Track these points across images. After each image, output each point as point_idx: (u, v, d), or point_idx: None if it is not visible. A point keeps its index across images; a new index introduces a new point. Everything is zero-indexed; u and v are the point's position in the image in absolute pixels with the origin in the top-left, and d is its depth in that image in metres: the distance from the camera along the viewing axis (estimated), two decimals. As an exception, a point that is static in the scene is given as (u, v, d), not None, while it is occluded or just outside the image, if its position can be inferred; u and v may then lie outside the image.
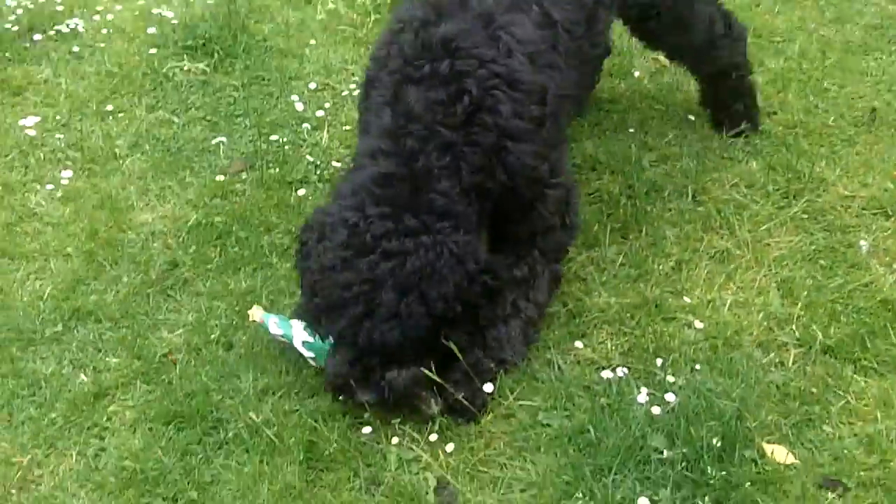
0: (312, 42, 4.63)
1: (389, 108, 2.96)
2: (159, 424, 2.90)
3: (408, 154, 2.90)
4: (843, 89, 4.11)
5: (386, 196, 2.86)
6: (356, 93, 4.25)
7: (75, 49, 4.63)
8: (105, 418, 2.94)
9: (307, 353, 2.98)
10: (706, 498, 2.60)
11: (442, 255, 2.80)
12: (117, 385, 3.03)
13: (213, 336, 3.17)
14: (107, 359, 3.12)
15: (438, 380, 2.79)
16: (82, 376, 3.06)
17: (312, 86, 4.33)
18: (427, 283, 2.77)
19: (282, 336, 3.03)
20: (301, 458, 2.76)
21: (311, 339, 2.96)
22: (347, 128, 4.07)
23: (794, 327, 3.12)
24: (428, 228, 2.82)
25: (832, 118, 3.96)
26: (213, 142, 4.02)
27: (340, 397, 2.87)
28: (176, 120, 4.18)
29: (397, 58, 3.01)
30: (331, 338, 2.86)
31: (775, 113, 4.01)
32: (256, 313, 3.10)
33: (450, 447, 2.79)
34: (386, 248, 2.79)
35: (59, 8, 4.92)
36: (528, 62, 3.03)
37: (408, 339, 2.76)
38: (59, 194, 3.80)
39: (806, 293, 3.22)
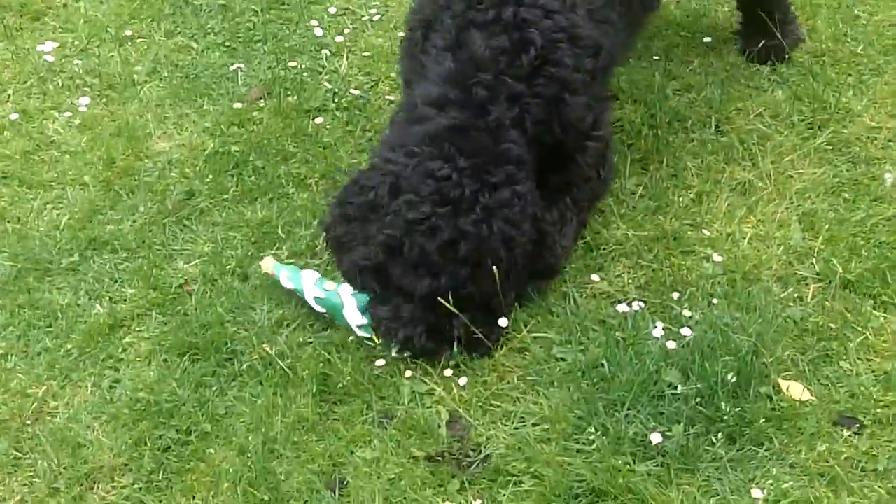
0: (332, -35, 4.56)
1: (451, 54, 2.94)
2: (174, 356, 2.91)
3: (478, 104, 2.89)
4: (874, 17, 3.99)
5: (469, 148, 2.83)
6: (377, 18, 4.20)
7: (93, -27, 4.58)
8: (120, 349, 2.95)
9: (319, 309, 2.95)
10: (719, 434, 2.59)
11: (525, 209, 2.84)
12: (133, 316, 3.04)
13: (228, 267, 3.16)
14: (123, 289, 3.13)
15: (457, 311, 2.78)
16: (98, 307, 3.07)
17: (332, 10, 4.27)
18: (515, 236, 2.81)
19: (293, 289, 2.99)
20: (314, 390, 2.76)
21: (322, 296, 2.93)
22: (367, 54, 4.01)
23: (814, 261, 3.07)
24: (512, 180, 2.83)
25: (861, 46, 3.85)
26: (232, 68, 3.98)
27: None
28: (194, 45, 4.14)
29: (460, 1, 2.97)
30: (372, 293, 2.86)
31: (805, 41, 3.91)
32: (268, 264, 3.05)
33: (463, 381, 2.78)
34: (486, 204, 2.78)
35: (77, -70, 4.86)
36: (588, 17, 3.03)
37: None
38: (76, 121, 3.79)
39: (827, 227, 3.17)
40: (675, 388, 2.68)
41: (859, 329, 2.87)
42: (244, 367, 2.86)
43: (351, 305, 2.90)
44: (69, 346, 2.95)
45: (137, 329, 3.01)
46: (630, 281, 3.06)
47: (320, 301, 2.93)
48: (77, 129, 3.75)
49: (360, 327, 2.89)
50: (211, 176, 3.49)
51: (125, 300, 3.09)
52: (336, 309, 2.91)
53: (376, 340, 2.86)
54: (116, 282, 3.16)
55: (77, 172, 3.55)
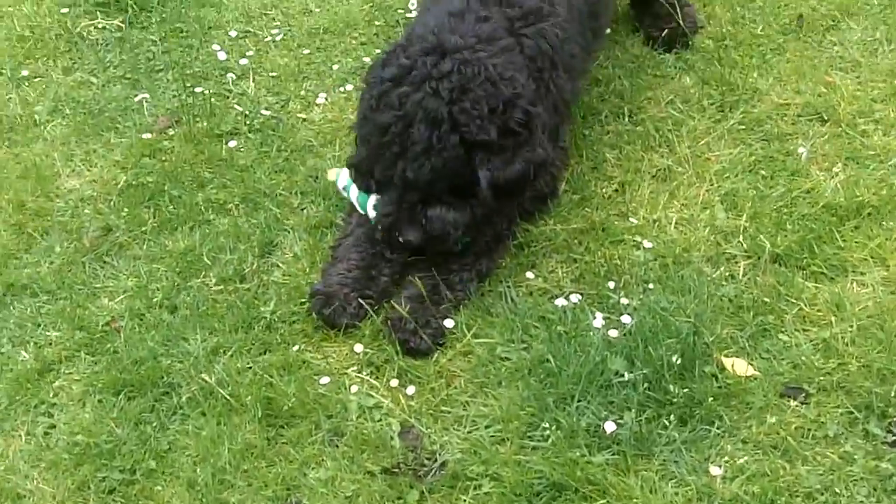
0: (228, -11, 4.50)
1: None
2: (109, 395, 2.82)
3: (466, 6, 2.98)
4: (769, -3, 4.08)
5: (437, 29, 2.91)
6: (279, 38, 4.15)
7: (-19, 15, 4.45)
8: (52, 394, 2.86)
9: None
10: (671, 416, 2.60)
11: (477, 75, 2.80)
12: (61, 359, 2.95)
13: (155, 300, 3.08)
14: (47, 333, 3.03)
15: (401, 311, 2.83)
16: (24, 353, 2.96)
17: (233, 34, 4.20)
18: (458, 105, 2.77)
19: (343, 188, 3.18)
20: (259, 415, 2.70)
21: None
22: (273, 74, 3.96)
23: (741, 239, 3.11)
24: (466, 47, 2.85)
25: (760, 27, 3.93)
26: (136, 99, 3.89)
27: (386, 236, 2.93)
28: (94, 80, 4.04)
29: None
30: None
31: (703, 27, 3.97)
32: (331, 173, 3.30)
33: (410, 390, 2.75)
34: (419, 74, 2.79)
35: (-40, -26, 4.72)
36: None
37: (444, 171, 2.78)
38: (-20, 168, 3.67)
39: (750, 204, 3.21)
40: (622, 375, 2.68)
41: (793, 301, 2.91)
42: (183, 399, 2.78)
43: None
44: (-2, 396, 2.85)
45: (67, 372, 2.91)
46: (564, 275, 3.06)
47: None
48: (-19, 175, 3.63)
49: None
50: (126, 209, 3.41)
51: (51, 343, 2.99)
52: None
53: None
54: (40, 326, 3.05)
55: (-14, 218, 3.43)
